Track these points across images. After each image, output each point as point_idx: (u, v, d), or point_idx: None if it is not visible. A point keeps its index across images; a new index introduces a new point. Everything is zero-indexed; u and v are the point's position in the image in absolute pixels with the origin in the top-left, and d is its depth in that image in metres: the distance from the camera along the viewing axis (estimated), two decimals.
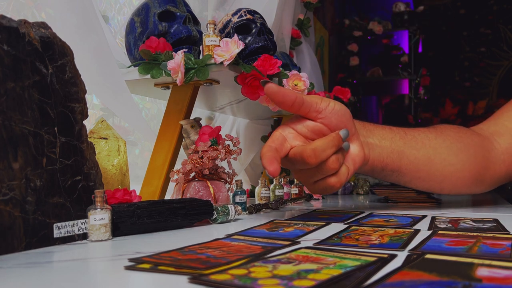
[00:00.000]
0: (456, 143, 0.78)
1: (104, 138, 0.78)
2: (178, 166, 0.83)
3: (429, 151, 0.76)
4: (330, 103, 0.64)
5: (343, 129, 0.63)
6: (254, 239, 0.51)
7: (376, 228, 0.59)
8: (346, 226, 0.62)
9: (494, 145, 0.83)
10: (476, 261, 0.38)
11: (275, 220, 0.68)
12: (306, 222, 0.65)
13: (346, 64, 2.84)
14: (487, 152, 0.82)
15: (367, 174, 0.76)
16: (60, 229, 0.50)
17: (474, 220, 0.66)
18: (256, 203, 0.91)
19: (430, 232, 0.56)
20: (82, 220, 0.52)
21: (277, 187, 1.02)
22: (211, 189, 0.76)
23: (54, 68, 0.51)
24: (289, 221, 0.66)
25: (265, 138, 1.34)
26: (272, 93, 0.61)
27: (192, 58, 0.79)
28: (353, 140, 0.67)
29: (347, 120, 0.65)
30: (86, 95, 0.56)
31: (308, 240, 0.51)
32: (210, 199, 0.75)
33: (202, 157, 0.75)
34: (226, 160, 0.78)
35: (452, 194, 0.86)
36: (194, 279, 0.33)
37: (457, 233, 0.54)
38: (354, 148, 0.66)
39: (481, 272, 0.35)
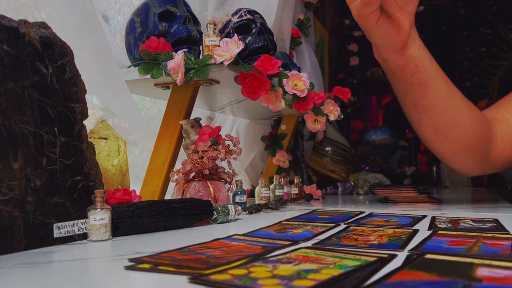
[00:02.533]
0: (469, 104, 0.85)
1: (104, 138, 0.78)
2: (178, 166, 0.83)
3: (452, 91, 0.81)
4: None
5: None
6: (255, 239, 0.51)
7: (375, 228, 0.59)
8: (345, 226, 0.62)
9: (494, 127, 0.88)
10: (476, 261, 0.38)
11: (282, 221, 0.68)
12: (315, 223, 0.65)
13: (346, 64, 2.84)
14: (489, 130, 0.87)
15: (396, 73, 0.79)
16: (60, 229, 0.50)
17: (474, 220, 0.66)
18: (256, 203, 0.91)
19: (430, 232, 0.56)
20: (82, 220, 0.52)
21: (277, 187, 1.02)
22: (211, 189, 0.76)
23: (54, 68, 0.51)
24: (297, 222, 0.66)
25: (265, 138, 1.34)
26: None
27: (192, 58, 0.79)
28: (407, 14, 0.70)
29: None
30: (86, 95, 0.56)
31: (308, 240, 0.51)
32: (210, 199, 0.75)
33: (202, 157, 0.75)
34: (226, 160, 0.78)
35: (445, 160, 0.89)
36: (194, 279, 0.33)
37: (457, 233, 0.54)
38: (402, 17, 0.71)
39: (481, 272, 0.35)
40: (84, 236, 0.53)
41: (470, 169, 0.91)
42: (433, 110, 0.82)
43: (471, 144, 0.85)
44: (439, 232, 0.55)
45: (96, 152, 0.58)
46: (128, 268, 0.38)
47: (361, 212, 0.80)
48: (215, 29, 0.84)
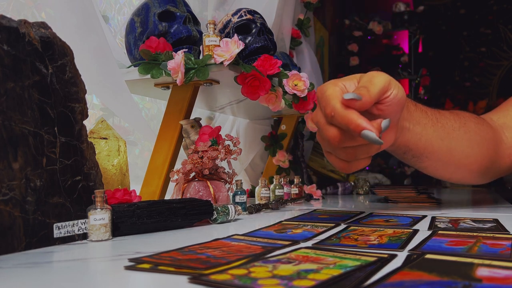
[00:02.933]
0: (475, 136, 0.78)
1: (104, 138, 0.78)
2: (178, 166, 0.83)
3: (452, 142, 0.75)
4: (393, 91, 0.58)
5: (386, 120, 0.55)
6: (254, 239, 0.51)
7: (374, 228, 0.59)
8: (345, 226, 0.62)
9: (502, 139, 0.83)
10: (476, 261, 0.38)
11: (282, 221, 0.68)
12: (315, 224, 0.65)
13: (346, 64, 2.84)
14: (497, 146, 0.82)
15: (387, 151, 0.73)
16: (60, 229, 0.50)
17: (474, 220, 0.66)
18: (256, 203, 0.91)
19: (430, 232, 0.56)
20: (82, 220, 0.52)
21: (277, 187, 1.02)
22: (211, 189, 0.76)
23: (54, 68, 0.51)
24: (297, 222, 0.66)
25: (265, 138, 1.34)
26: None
27: (192, 58, 0.79)
28: (391, 127, 0.63)
29: (400, 108, 0.60)
30: (86, 95, 0.56)
31: (308, 240, 0.51)
32: (210, 199, 0.75)
33: (202, 157, 0.75)
34: (226, 160, 0.78)
35: (455, 183, 0.85)
36: (194, 279, 0.33)
37: (457, 233, 0.54)
38: (387, 135, 0.63)
39: (481, 272, 0.35)
40: (84, 236, 0.53)
41: (481, 182, 0.88)
42: (433, 169, 0.79)
43: (481, 171, 0.82)
44: (439, 232, 0.55)
45: (96, 152, 0.58)
46: (128, 268, 0.38)
47: (361, 212, 0.80)
48: (215, 29, 0.84)
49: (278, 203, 0.91)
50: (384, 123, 0.55)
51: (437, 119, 0.73)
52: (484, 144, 0.79)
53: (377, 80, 0.57)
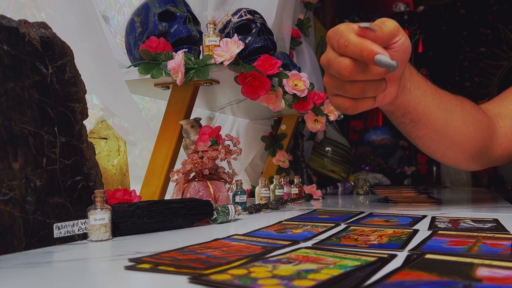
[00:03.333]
0: (470, 117, 0.79)
1: (104, 138, 0.78)
2: (178, 166, 0.83)
3: (448, 116, 0.76)
4: (402, 38, 0.60)
5: (394, 61, 0.54)
6: (254, 239, 0.51)
7: (375, 228, 0.59)
8: (345, 226, 0.62)
9: (496, 127, 0.85)
10: (476, 261, 0.38)
11: (282, 221, 0.68)
12: (315, 223, 0.65)
13: None
14: (491, 133, 0.84)
15: (385, 113, 0.75)
16: (60, 229, 0.50)
17: (474, 220, 0.66)
18: (256, 203, 0.91)
19: (430, 232, 0.56)
20: (82, 220, 0.52)
21: (277, 187, 1.02)
22: (211, 189, 0.76)
23: (54, 68, 0.51)
24: (297, 222, 0.66)
25: (265, 138, 1.34)
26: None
27: (192, 58, 0.79)
28: (395, 80, 0.65)
29: (407, 57, 0.62)
30: (86, 95, 0.56)
31: (308, 240, 0.51)
32: (210, 199, 0.75)
33: (202, 157, 0.75)
34: (226, 160, 0.78)
35: (448, 164, 0.88)
36: (194, 279, 0.33)
37: (457, 233, 0.54)
38: (390, 87, 0.65)
39: (481, 272, 0.35)
40: (84, 236, 0.53)
41: (473, 168, 0.90)
42: (428, 139, 0.80)
43: (474, 153, 0.83)
44: (439, 232, 0.55)
45: (96, 152, 0.58)
46: (128, 268, 0.38)
47: (361, 212, 0.80)
48: (215, 29, 0.84)
49: (278, 203, 0.91)
50: (393, 62, 0.54)
51: (436, 90, 0.75)
52: (479, 126, 0.81)
53: (388, 23, 0.58)
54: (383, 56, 0.52)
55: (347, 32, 0.55)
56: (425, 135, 0.79)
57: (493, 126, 0.85)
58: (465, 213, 0.79)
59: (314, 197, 1.15)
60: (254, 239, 0.51)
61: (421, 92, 0.72)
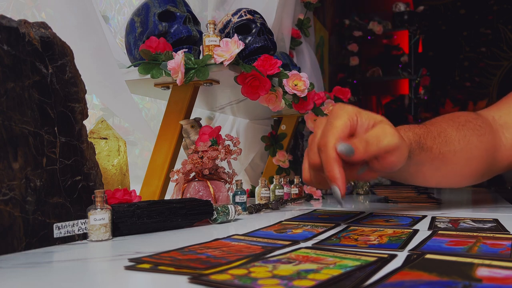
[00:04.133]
0: (476, 151, 0.76)
1: (104, 138, 0.78)
2: (178, 166, 0.83)
3: (448, 167, 0.73)
4: (396, 158, 0.57)
5: (362, 167, 0.57)
6: (254, 239, 0.51)
7: (375, 228, 0.59)
8: (345, 226, 0.62)
9: (502, 141, 0.82)
10: (476, 261, 0.38)
11: (282, 221, 0.68)
12: (315, 223, 0.65)
13: (346, 64, 2.84)
14: (496, 152, 0.81)
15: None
16: (60, 229, 0.50)
17: (474, 220, 0.66)
18: (256, 203, 0.91)
19: (430, 232, 0.56)
20: (82, 220, 0.52)
21: (277, 187, 1.02)
22: (211, 189, 0.76)
23: (54, 68, 0.51)
24: (297, 222, 0.66)
25: (265, 138, 1.34)
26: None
27: (192, 58, 0.79)
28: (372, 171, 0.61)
29: (394, 170, 0.60)
30: (86, 95, 0.56)
31: (308, 240, 0.51)
32: (210, 199, 0.75)
33: (202, 157, 0.75)
34: (226, 160, 0.78)
35: (443, 186, 0.86)
36: (194, 279, 0.33)
37: (457, 233, 0.54)
38: (367, 174, 0.61)
39: (481, 272, 0.35)
40: (84, 236, 0.53)
41: (475, 183, 0.86)
42: (427, 185, 0.79)
43: (475, 179, 0.81)
44: (439, 232, 0.55)
45: (96, 152, 0.58)
46: (128, 268, 0.38)
47: (361, 212, 0.80)
48: (215, 29, 0.84)
49: (278, 203, 0.91)
50: (360, 170, 0.57)
51: (439, 152, 0.71)
52: (483, 156, 0.78)
53: (386, 142, 0.55)
54: (337, 191, 0.53)
55: (332, 135, 0.54)
56: (421, 183, 0.77)
57: (498, 144, 0.81)
58: (465, 213, 0.79)
59: (314, 197, 1.15)
60: (254, 239, 0.51)
61: (419, 166, 0.70)
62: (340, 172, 0.53)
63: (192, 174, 0.79)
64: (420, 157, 0.67)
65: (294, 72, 0.94)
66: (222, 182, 0.80)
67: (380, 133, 0.56)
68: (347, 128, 0.55)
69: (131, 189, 0.66)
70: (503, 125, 0.83)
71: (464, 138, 0.74)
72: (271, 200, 0.96)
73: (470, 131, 0.76)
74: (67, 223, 0.50)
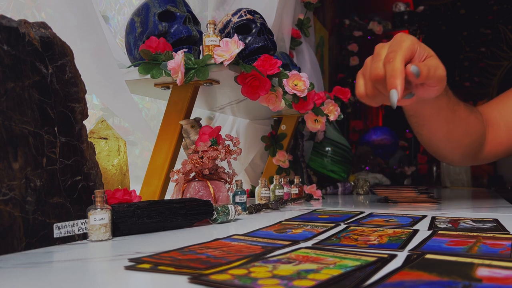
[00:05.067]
0: (470, 128, 0.89)
1: (104, 138, 0.78)
2: (178, 166, 0.83)
3: (451, 126, 0.87)
4: (441, 87, 0.70)
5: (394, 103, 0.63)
6: (254, 239, 0.51)
7: (374, 229, 0.59)
8: (345, 226, 0.62)
9: (488, 134, 0.95)
10: (476, 261, 0.38)
11: (282, 221, 0.68)
12: (315, 223, 0.65)
13: (346, 64, 2.84)
14: (484, 140, 0.95)
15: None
16: (60, 229, 0.50)
17: (474, 220, 0.66)
18: (256, 203, 0.91)
19: (430, 232, 0.56)
20: (82, 220, 0.52)
21: (277, 187, 1.02)
22: (211, 189, 0.76)
23: (54, 68, 0.51)
24: (297, 222, 0.66)
25: (265, 138, 1.34)
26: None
27: (192, 58, 0.79)
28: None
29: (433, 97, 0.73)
30: (86, 95, 0.56)
31: (308, 240, 0.51)
32: (210, 199, 0.75)
33: (202, 157, 0.75)
34: (226, 160, 0.78)
35: (441, 160, 1.03)
36: (194, 279, 0.33)
37: (457, 233, 0.54)
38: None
39: (481, 272, 0.35)
40: (84, 236, 0.53)
41: (463, 164, 1.01)
42: (428, 140, 0.91)
43: (465, 154, 0.95)
44: (439, 232, 0.55)
45: (96, 152, 0.58)
46: (128, 268, 0.38)
47: (361, 212, 0.80)
48: (215, 29, 0.84)
49: (278, 203, 0.91)
50: (408, 95, 0.67)
51: (452, 106, 0.84)
52: (478, 133, 0.92)
53: (440, 71, 0.65)
54: (394, 95, 0.60)
55: (401, 53, 0.62)
56: (425, 136, 0.89)
57: (485, 133, 0.94)
58: (465, 213, 0.79)
59: (314, 197, 1.15)
60: (254, 239, 0.51)
61: (437, 110, 0.81)
62: (402, 81, 0.60)
63: (192, 174, 0.79)
64: (443, 100, 0.80)
65: (294, 72, 0.94)
66: (222, 182, 0.80)
67: (437, 64, 0.66)
68: (410, 51, 0.63)
69: (131, 189, 0.66)
70: (488, 120, 0.95)
71: (466, 110, 0.88)
72: (271, 200, 0.96)
73: (471, 109, 0.91)
74: (67, 223, 0.50)
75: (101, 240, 0.52)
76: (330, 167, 1.54)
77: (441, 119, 0.83)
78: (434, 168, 2.39)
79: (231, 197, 0.81)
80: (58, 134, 0.51)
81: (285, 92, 0.93)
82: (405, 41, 0.63)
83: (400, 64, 0.60)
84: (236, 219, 0.72)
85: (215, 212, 0.66)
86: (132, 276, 0.36)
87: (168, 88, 0.89)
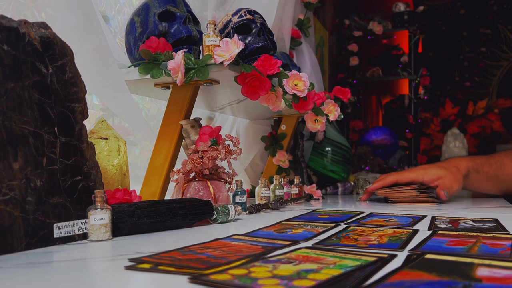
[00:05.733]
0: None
1: (104, 138, 0.78)
2: (178, 166, 0.83)
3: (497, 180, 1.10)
4: (442, 181, 1.01)
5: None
6: (254, 239, 0.51)
7: (374, 229, 0.59)
8: (345, 226, 0.62)
9: None
10: (476, 261, 0.38)
11: (282, 221, 0.68)
12: (315, 223, 0.65)
13: (346, 64, 2.84)
14: None
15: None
16: (60, 229, 0.50)
17: (474, 220, 0.66)
18: (256, 203, 0.91)
19: (430, 232, 0.56)
20: (82, 220, 0.52)
21: (277, 187, 1.02)
22: (211, 189, 0.76)
23: (54, 68, 0.51)
24: (297, 222, 0.66)
25: (265, 138, 1.34)
26: None
27: (192, 58, 0.79)
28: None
29: (452, 187, 1.03)
30: (86, 95, 0.56)
31: (308, 240, 0.51)
32: (210, 199, 0.75)
33: (202, 157, 0.75)
34: (226, 160, 0.78)
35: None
36: (194, 279, 0.33)
37: (457, 233, 0.54)
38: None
39: (481, 272, 0.35)
40: (84, 236, 0.53)
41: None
42: (491, 192, 1.14)
43: None
44: (439, 232, 0.55)
45: (96, 152, 0.58)
46: (128, 268, 0.38)
47: (361, 212, 0.80)
48: (215, 29, 0.84)
49: (278, 203, 0.91)
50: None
51: (494, 174, 1.08)
52: None
53: (455, 187, 1.03)
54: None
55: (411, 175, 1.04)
56: (484, 192, 1.14)
57: None
58: (465, 213, 0.79)
59: (314, 197, 1.15)
60: (254, 239, 0.51)
61: (479, 184, 1.09)
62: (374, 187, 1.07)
63: (192, 174, 0.79)
64: (477, 177, 1.07)
65: (294, 72, 0.94)
66: (222, 182, 0.80)
67: (450, 183, 1.01)
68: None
69: (131, 189, 0.66)
70: None
71: (508, 161, 1.08)
72: (271, 200, 0.96)
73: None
74: (67, 223, 0.50)
75: (101, 240, 0.52)
76: (330, 167, 1.54)
77: (487, 185, 1.09)
78: None
79: (231, 197, 0.81)
80: (58, 134, 0.51)
81: (285, 92, 0.93)
82: (426, 172, 1.01)
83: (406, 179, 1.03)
84: (236, 219, 0.72)
85: (215, 212, 0.66)
86: (132, 276, 0.36)
87: (168, 88, 0.89)
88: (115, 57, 0.92)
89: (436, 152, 3.46)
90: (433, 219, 0.69)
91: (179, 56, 0.77)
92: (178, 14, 0.89)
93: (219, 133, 0.80)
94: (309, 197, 1.13)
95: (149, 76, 0.83)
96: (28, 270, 0.38)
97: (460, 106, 3.59)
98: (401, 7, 2.89)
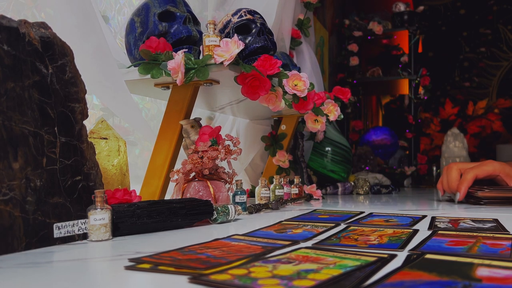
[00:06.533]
0: None
1: (104, 138, 0.78)
2: (178, 166, 0.83)
3: None
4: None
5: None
6: (254, 239, 0.51)
7: (374, 229, 0.59)
8: (345, 226, 0.62)
9: None
10: (476, 261, 0.38)
11: (282, 221, 0.68)
12: (315, 223, 0.65)
13: (346, 64, 2.84)
14: None
15: None
16: (60, 229, 0.50)
17: (474, 220, 0.66)
18: (256, 203, 0.91)
19: (430, 232, 0.56)
20: (82, 220, 0.52)
21: (277, 187, 1.02)
22: (211, 189, 0.76)
23: (54, 68, 0.51)
24: (297, 222, 0.66)
25: (265, 138, 1.34)
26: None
27: (192, 58, 0.79)
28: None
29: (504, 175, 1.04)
30: (86, 95, 0.56)
31: (308, 240, 0.51)
32: (210, 199, 0.75)
33: (202, 157, 0.75)
34: (226, 160, 0.78)
35: None
36: (194, 279, 0.33)
37: (457, 233, 0.54)
38: None
39: (481, 272, 0.35)
40: (84, 236, 0.53)
41: None
42: None
43: None
44: (439, 232, 0.55)
45: (96, 152, 0.58)
46: (128, 268, 0.38)
47: (361, 212, 0.80)
48: (215, 29, 0.84)
49: (278, 203, 0.91)
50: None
51: None
52: None
53: (487, 167, 1.04)
54: (457, 196, 1.00)
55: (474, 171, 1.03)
56: None
57: None
58: (465, 213, 0.79)
59: (314, 197, 1.15)
60: (254, 239, 0.51)
61: None
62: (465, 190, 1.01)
63: (192, 174, 0.79)
64: None
65: (294, 72, 0.94)
66: (222, 182, 0.80)
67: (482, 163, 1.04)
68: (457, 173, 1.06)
69: (131, 189, 0.66)
70: None
71: None
72: (271, 200, 0.96)
73: None
74: (67, 223, 0.50)
75: (101, 240, 0.52)
76: (330, 167, 1.54)
77: None
78: (434, 168, 2.39)
79: (231, 197, 0.81)
80: (58, 134, 0.51)
81: (285, 92, 0.93)
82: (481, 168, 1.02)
83: (469, 178, 1.01)
84: (236, 219, 0.72)
85: (215, 212, 0.66)
86: (132, 276, 0.36)
87: (168, 88, 0.89)
88: (115, 57, 0.92)
89: (436, 152, 3.46)
90: (433, 219, 0.69)
91: (179, 56, 0.77)
92: (178, 14, 0.89)
93: (219, 133, 0.80)
94: (309, 197, 1.13)
95: (149, 76, 0.83)
96: (28, 270, 0.38)
97: (460, 106, 3.60)
98: (401, 7, 2.89)
